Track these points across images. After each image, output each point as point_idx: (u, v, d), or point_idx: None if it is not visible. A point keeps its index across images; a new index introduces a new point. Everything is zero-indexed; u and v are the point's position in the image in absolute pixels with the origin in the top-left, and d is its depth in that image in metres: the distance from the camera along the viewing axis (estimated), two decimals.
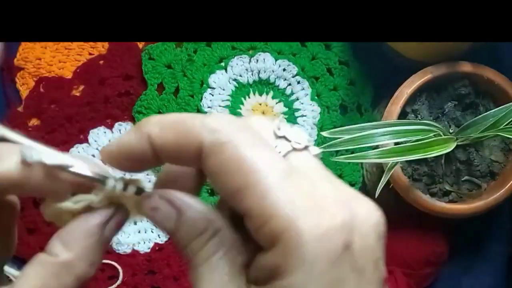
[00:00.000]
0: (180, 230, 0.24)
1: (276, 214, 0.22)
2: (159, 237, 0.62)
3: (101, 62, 0.63)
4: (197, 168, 0.26)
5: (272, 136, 0.25)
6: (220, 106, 0.62)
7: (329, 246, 0.22)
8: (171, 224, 0.24)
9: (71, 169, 0.25)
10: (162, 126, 0.24)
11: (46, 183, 0.25)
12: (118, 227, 0.26)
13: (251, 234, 0.23)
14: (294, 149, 0.25)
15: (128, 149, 0.25)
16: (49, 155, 0.25)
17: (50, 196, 0.26)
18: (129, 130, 0.25)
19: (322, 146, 0.52)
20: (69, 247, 0.25)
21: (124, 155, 0.25)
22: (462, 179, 0.58)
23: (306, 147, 0.25)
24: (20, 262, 0.60)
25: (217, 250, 0.24)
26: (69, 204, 0.25)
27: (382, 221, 0.24)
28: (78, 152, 0.62)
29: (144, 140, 0.24)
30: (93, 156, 0.62)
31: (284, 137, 0.25)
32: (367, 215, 0.23)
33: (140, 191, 0.26)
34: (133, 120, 0.62)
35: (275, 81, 0.63)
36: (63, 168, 0.25)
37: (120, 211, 0.26)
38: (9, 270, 0.30)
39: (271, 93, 0.63)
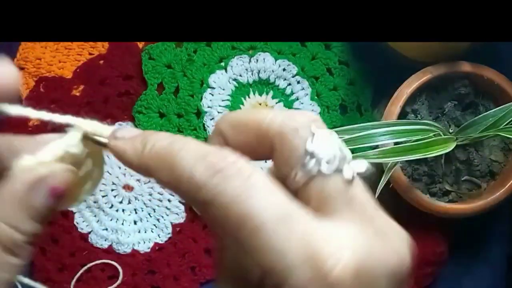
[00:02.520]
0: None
1: (271, 271, 0.21)
2: (159, 237, 0.62)
3: (101, 62, 0.63)
4: None
5: (302, 148, 0.23)
6: (220, 106, 0.62)
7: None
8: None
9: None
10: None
11: None
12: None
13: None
14: (321, 172, 0.23)
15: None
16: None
17: None
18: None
19: None
20: None
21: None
22: (462, 179, 0.58)
23: (339, 170, 0.23)
24: None
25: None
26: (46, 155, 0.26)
27: (406, 264, 0.22)
28: None
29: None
30: None
31: (313, 154, 0.23)
32: (385, 259, 0.21)
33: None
34: (133, 120, 0.62)
35: (275, 81, 0.63)
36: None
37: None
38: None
39: (271, 93, 0.64)
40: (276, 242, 0.21)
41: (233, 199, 0.21)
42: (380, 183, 0.52)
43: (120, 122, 0.62)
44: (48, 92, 0.62)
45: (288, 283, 0.20)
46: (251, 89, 0.63)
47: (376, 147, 0.54)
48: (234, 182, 0.22)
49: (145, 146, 0.24)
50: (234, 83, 0.63)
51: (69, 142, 0.27)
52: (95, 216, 0.62)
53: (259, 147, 0.24)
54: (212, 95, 0.63)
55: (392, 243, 0.22)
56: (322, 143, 0.23)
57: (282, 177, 0.24)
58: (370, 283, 0.21)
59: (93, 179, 0.29)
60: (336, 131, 0.51)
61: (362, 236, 0.21)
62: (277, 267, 0.20)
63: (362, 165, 0.24)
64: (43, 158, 0.26)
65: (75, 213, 0.61)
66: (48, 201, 0.25)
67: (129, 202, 0.62)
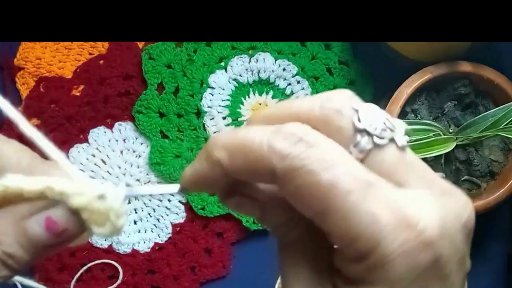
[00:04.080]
0: (268, 217, 0.26)
1: (360, 236, 0.21)
2: (159, 237, 0.62)
3: (101, 62, 0.63)
4: None
5: (351, 128, 0.23)
6: (220, 106, 0.62)
7: (415, 263, 0.22)
8: (257, 213, 0.26)
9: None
10: (231, 152, 0.23)
11: None
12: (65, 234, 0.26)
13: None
14: (376, 145, 0.23)
15: (204, 177, 0.25)
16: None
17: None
18: (200, 156, 0.25)
19: None
20: None
21: (201, 182, 0.25)
22: (462, 179, 0.58)
23: (391, 139, 0.23)
24: None
25: (301, 238, 0.25)
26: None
27: (472, 217, 0.24)
28: (78, 152, 0.62)
29: (216, 167, 0.24)
30: (93, 156, 0.62)
31: (365, 131, 0.23)
32: (458, 214, 0.23)
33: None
34: (133, 120, 0.62)
35: (275, 81, 0.63)
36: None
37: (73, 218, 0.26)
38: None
39: (271, 93, 0.64)
40: (366, 208, 0.21)
41: (321, 165, 0.21)
42: None
43: (120, 122, 0.62)
44: (48, 92, 0.62)
45: (381, 247, 0.21)
46: (251, 89, 0.63)
47: None
48: (318, 150, 0.22)
49: (212, 150, 0.24)
50: (234, 83, 0.63)
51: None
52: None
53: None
54: (212, 95, 0.63)
55: (458, 200, 0.24)
56: (369, 117, 0.23)
57: None
58: (451, 236, 0.23)
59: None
60: None
61: (435, 198, 0.23)
62: (367, 231, 0.21)
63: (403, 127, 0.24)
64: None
65: None
66: (43, 234, 0.25)
67: (129, 202, 0.62)
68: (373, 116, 0.23)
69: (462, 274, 0.24)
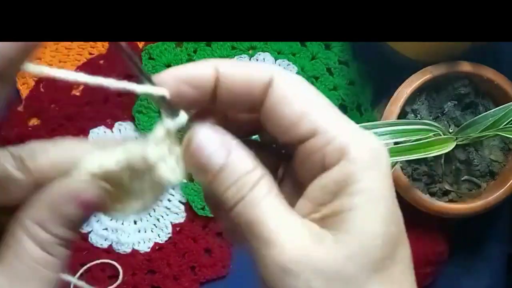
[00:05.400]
0: (230, 166, 0.26)
1: (345, 130, 0.26)
2: (159, 237, 0.62)
3: (101, 62, 0.63)
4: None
5: None
6: None
7: (385, 157, 0.27)
8: (221, 158, 0.26)
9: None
10: (230, 63, 0.27)
11: None
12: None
13: (305, 158, 0.27)
14: None
15: (194, 74, 0.27)
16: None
17: None
18: (195, 63, 0.27)
19: None
20: None
21: (188, 78, 0.27)
22: (462, 179, 0.58)
23: None
24: None
25: (271, 189, 0.26)
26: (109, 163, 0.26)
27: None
28: None
29: (212, 69, 0.26)
30: None
31: None
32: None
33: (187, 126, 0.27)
34: (133, 119, 0.62)
35: None
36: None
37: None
38: None
39: None
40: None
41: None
42: None
43: (120, 122, 0.62)
44: (48, 92, 0.62)
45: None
46: None
47: None
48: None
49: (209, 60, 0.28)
50: None
51: (135, 151, 0.27)
52: (95, 216, 0.62)
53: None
54: None
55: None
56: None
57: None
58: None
59: (144, 200, 0.28)
60: None
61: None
62: (347, 128, 0.27)
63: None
64: (106, 166, 0.26)
65: None
66: (79, 213, 0.26)
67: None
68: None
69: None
